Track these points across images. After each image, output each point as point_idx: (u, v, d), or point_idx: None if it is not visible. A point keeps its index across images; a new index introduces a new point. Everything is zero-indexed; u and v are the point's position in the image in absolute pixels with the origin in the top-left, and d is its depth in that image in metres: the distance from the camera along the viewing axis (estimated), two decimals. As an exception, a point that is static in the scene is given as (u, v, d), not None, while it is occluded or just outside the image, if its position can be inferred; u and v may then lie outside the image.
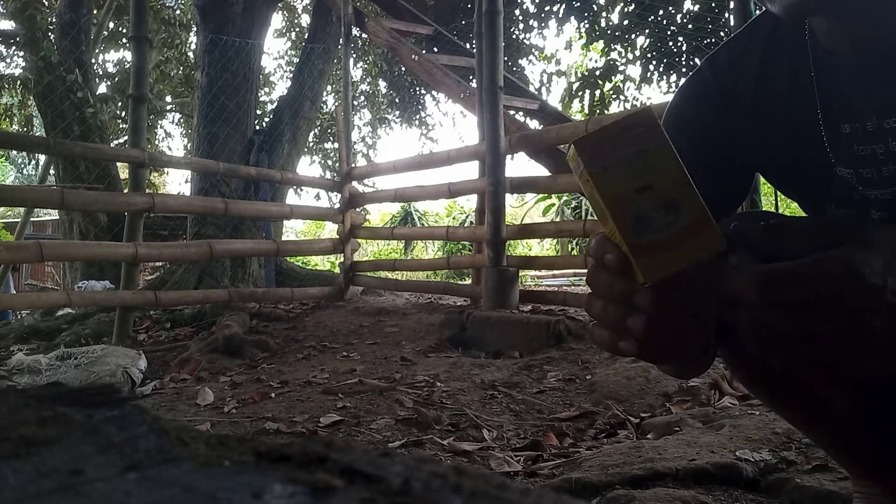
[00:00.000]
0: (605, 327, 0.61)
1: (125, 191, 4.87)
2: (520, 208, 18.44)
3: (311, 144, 11.30)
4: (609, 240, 0.56)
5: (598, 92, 8.21)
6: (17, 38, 8.75)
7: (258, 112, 7.96)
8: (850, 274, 0.50)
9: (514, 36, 8.62)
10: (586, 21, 7.96)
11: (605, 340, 0.61)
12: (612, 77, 8.16)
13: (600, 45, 8.25)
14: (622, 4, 7.83)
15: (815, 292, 0.51)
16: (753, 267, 0.54)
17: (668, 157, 0.52)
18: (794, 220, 0.59)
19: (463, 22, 7.74)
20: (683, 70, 7.33)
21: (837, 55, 0.77)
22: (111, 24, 10.33)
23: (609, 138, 0.52)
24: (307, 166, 44.16)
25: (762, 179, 1.11)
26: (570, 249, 15.62)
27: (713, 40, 6.63)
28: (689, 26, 7.22)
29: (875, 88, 0.75)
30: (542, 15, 8.34)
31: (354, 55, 9.67)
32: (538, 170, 4.62)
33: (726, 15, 6.33)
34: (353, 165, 5.70)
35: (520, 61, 8.98)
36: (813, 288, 0.51)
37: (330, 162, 11.73)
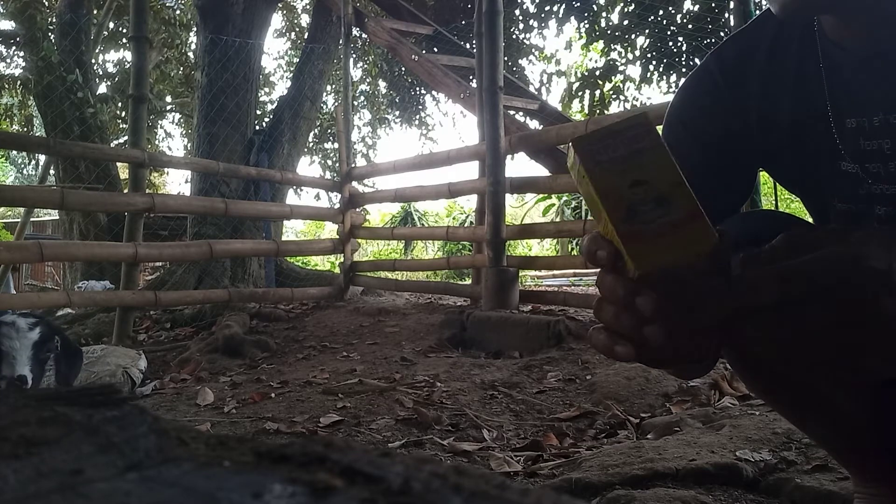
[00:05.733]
0: (606, 331, 0.58)
1: (125, 191, 4.87)
2: (520, 208, 18.44)
3: (311, 144, 11.29)
4: (601, 236, 0.56)
5: (598, 92, 8.20)
6: (17, 38, 8.75)
7: (258, 112, 7.96)
8: (858, 263, 0.51)
9: (514, 36, 8.62)
10: (586, 21, 7.95)
11: (602, 344, 0.59)
12: (612, 77, 8.16)
13: (600, 45, 8.24)
14: (622, 4, 7.82)
15: (825, 285, 0.52)
16: (767, 267, 0.54)
17: (661, 157, 0.53)
18: (809, 232, 0.59)
19: (463, 22, 7.74)
20: (683, 70, 7.33)
21: (845, 49, 0.77)
22: (111, 24, 10.32)
23: (605, 138, 0.54)
24: (307, 166, 44.10)
25: (763, 178, 1.11)
26: (570, 249, 15.63)
27: (713, 40, 6.62)
28: (689, 26, 7.21)
29: (882, 84, 0.75)
30: (542, 15, 8.33)
31: (354, 55, 9.66)
32: (538, 170, 4.62)
33: (726, 15, 6.32)
34: (353, 165, 5.69)
35: (520, 61, 8.97)
36: (823, 280, 0.52)
37: (330, 162, 11.72)
